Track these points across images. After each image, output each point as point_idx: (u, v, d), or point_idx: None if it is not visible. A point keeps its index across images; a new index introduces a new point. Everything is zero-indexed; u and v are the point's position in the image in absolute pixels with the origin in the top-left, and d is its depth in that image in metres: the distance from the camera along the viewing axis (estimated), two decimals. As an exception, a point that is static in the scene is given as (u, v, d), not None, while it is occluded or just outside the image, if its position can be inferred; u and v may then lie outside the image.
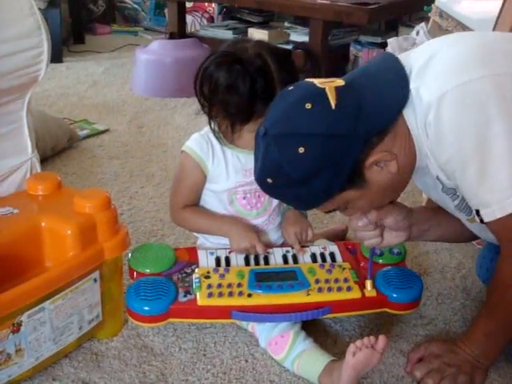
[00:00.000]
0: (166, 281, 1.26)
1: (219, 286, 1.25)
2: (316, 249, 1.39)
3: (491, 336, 1.20)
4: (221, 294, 1.23)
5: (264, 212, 1.40)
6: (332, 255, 1.37)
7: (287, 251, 1.38)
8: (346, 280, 1.29)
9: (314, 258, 1.36)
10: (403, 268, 1.37)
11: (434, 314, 1.43)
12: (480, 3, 1.83)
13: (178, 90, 2.90)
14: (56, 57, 3.14)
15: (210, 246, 1.42)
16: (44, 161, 1.91)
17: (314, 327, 1.33)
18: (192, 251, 1.38)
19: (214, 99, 1.27)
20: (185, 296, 1.24)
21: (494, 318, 1.19)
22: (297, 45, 1.36)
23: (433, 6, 2.22)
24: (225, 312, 1.23)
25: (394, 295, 1.29)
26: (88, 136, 2.44)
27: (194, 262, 1.33)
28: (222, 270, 1.30)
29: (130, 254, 1.34)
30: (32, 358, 1.14)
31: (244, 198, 1.37)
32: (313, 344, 1.23)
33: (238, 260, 1.34)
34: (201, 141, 1.36)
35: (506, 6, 1.64)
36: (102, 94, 3.01)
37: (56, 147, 2.22)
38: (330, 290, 1.26)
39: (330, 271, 1.31)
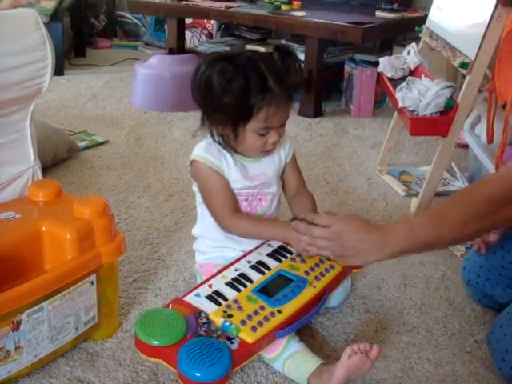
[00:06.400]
0: (210, 340, 1.12)
1: (249, 317, 1.19)
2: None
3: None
4: (260, 324, 1.18)
5: (263, 215, 1.46)
6: (287, 250, 1.42)
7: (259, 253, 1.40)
8: (322, 261, 1.37)
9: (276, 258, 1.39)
10: None
11: (417, 322, 1.48)
12: (467, 25, 1.89)
13: (176, 105, 2.94)
14: (57, 69, 3.16)
15: (205, 249, 1.48)
16: (44, 170, 1.94)
17: (302, 333, 1.37)
18: (182, 303, 1.22)
19: (214, 104, 1.31)
20: (232, 343, 1.13)
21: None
22: (274, 47, 1.39)
23: (423, 26, 2.29)
24: (270, 337, 1.19)
25: None
26: (87, 147, 2.50)
27: (196, 311, 1.20)
28: (231, 303, 1.22)
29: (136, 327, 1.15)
30: (30, 355, 1.18)
31: (246, 200, 1.43)
32: (306, 347, 1.28)
33: (226, 290, 1.27)
34: (210, 148, 1.40)
35: (491, 27, 1.71)
36: (101, 107, 3.08)
37: (56, 157, 2.27)
38: (322, 274, 1.33)
39: (303, 261, 1.37)
